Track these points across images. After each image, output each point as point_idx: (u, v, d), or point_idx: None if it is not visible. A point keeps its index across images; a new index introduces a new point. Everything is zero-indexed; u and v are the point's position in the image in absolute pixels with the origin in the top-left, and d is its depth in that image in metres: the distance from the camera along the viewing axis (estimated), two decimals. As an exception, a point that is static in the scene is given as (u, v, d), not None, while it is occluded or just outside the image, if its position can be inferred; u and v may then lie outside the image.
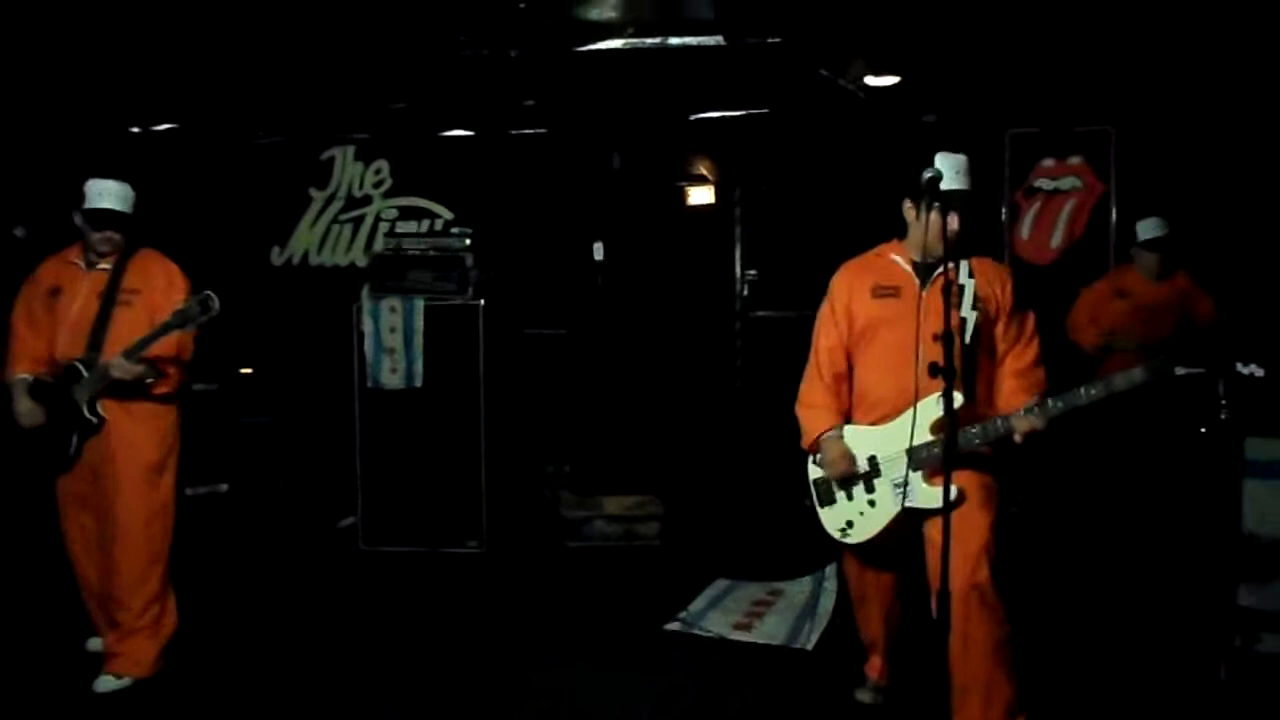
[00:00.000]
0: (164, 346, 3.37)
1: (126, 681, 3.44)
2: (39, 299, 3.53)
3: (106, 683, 3.43)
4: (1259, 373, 2.53)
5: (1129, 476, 4.72)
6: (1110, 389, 2.66)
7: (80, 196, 3.42)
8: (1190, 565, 4.14)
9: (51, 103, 5.69)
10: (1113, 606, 4.17)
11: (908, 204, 2.93)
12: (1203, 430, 4.18)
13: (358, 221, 6.50)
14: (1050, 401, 2.75)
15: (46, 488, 3.59)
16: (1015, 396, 2.85)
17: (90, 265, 3.50)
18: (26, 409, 3.46)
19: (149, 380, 3.40)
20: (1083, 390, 2.70)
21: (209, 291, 3.29)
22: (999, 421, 2.77)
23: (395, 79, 5.89)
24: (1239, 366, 2.55)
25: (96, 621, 3.66)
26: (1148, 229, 4.94)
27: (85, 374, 3.40)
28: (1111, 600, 4.24)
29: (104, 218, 3.41)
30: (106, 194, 3.42)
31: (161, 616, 3.52)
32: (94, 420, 3.41)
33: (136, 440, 3.48)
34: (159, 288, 3.51)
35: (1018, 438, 2.74)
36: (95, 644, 3.69)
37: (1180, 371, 2.58)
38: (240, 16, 4.85)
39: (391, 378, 5.19)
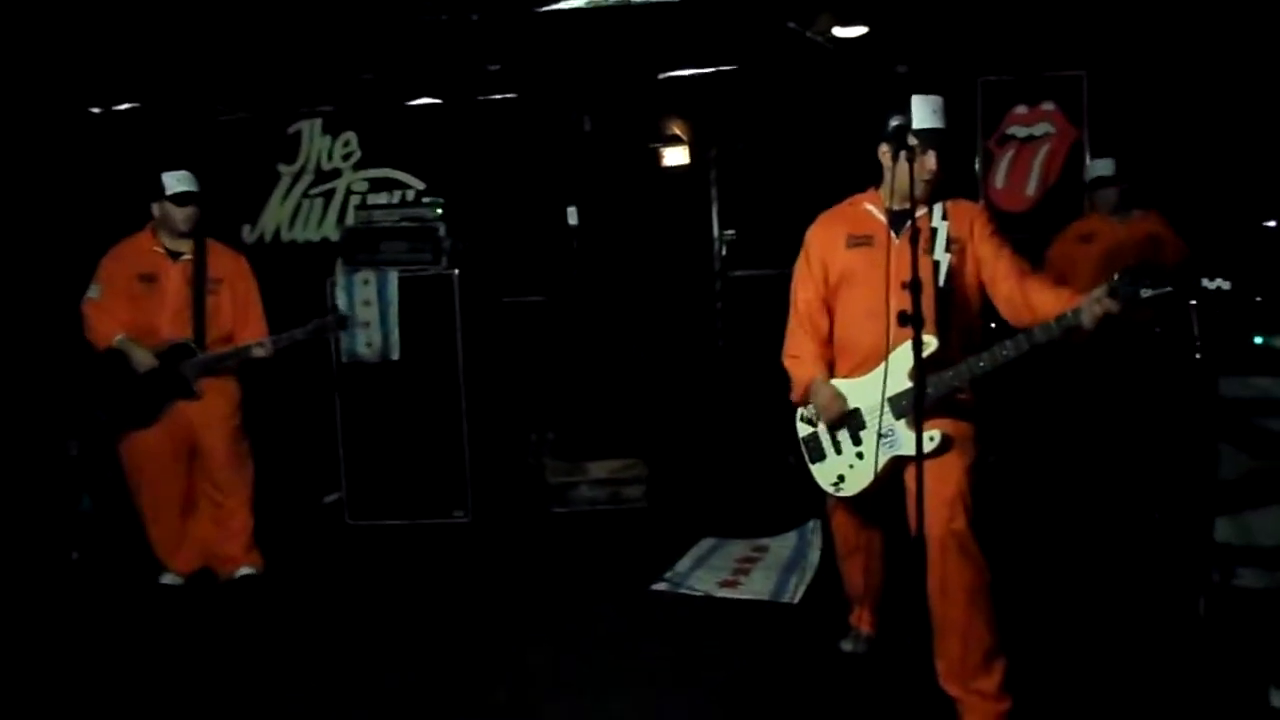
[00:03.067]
0: (254, 332, 4.20)
1: (257, 571, 4.25)
2: (125, 279, 4.09)
3: (246, 569, 4.22)
4: (1225, 286, 2.50)
5: (1106, 419, 4.76)
6: (1077, 318, 2.58)
7: (159, 187, 4.06)
8: (1167, 503, 4.19)
9: (9, 83, 5.58)
10: (1092, 545, 4.21)
11: (883, 148, 2.88)
12: (1178, 370, 4.22)
13: (328, 195, 6.43)
14: (1038, 331, 2.64)
15: (112, 445, 4.14)
16: (1056, 295, 2.68)
17: (174, 256, 4.12)
18: (145, 357, 4.03)
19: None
20: (1054, 323, 2.64)
21: (341, 310, 4.40)
22: (976, 360, 2.71)
23: (359, 48, 5.79)
24: (1204, 281, 2.51)
25: (167, 556, 4.22)
26: (1094, 169, 4.98)
27: (199, 352, 4.07)
28: (1090, 539, 4.29)
29: (188, 198, 4.07)
30: (183, 179, 4.08)
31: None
32: (197, 393, 4.09)
33: (225, 404, 4.20)
34: (235, 276, 4.25)
35: (1089, 324, 2.57)
36: (169, 578, 4.23)
37: (1146, 293, 2.52)
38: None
39: (368, 351, 5.16)
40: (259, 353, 4.10)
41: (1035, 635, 3.25)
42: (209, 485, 4.21)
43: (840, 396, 2.93)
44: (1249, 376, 3.56)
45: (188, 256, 4.14)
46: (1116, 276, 2.55)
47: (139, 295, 4.09)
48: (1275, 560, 3.44)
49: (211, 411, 4.14)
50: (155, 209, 4.11)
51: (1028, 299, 2.74)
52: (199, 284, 4.12)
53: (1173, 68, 5.47)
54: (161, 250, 4.13)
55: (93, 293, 4.11)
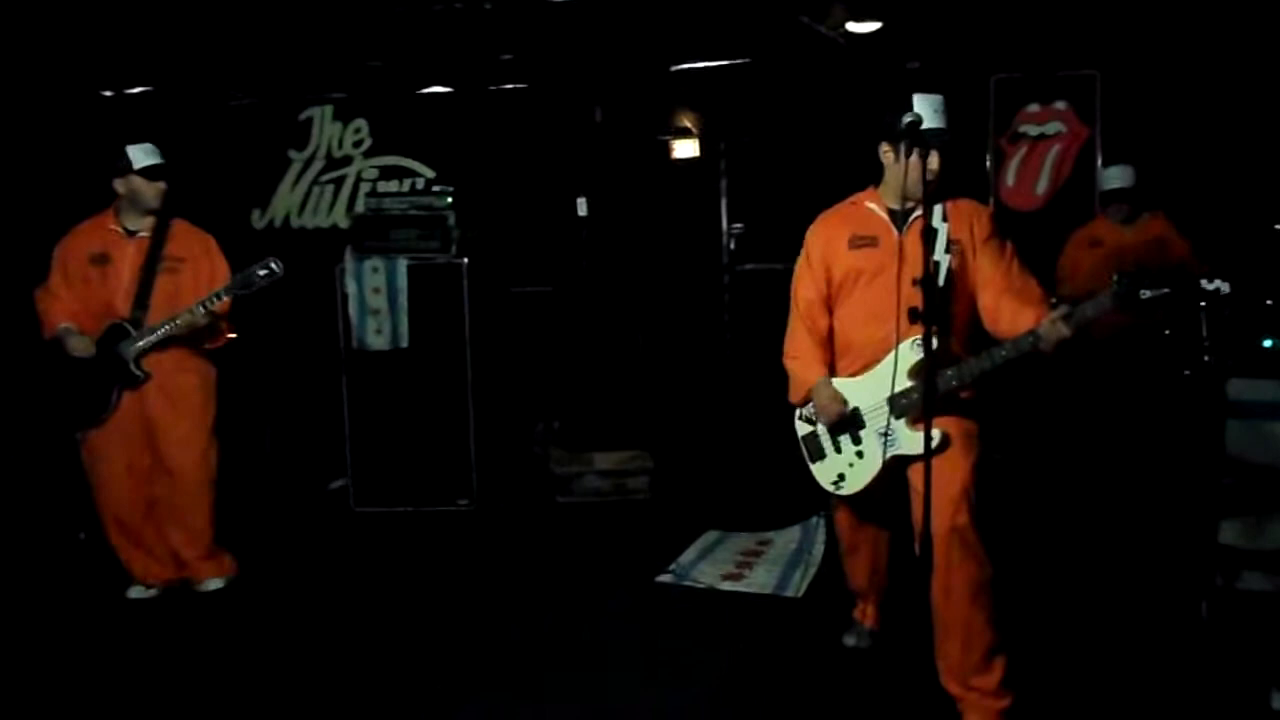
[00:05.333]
0: (217, 306, 3.78)
1: (225, 582, 3.97)
2: (76, 262, 3.84)
3: (212, 583, 3.95)
4: (1225, 288, 2.51)
5: (1113, 421, 4.76)
6: (1083, 316, 2.61)
7: (123, 161, 3.76)
8: (1172, 505, 4.19)
9: (21, 67, 5.59)
10: (1096, 547, 4.22)
11: (885, 147, 2.88)
12: (1186, 373, 4.21)
13: (338, 182, 6.44)
14: (1051, 322, 2.64)
15: (70, 442, 3.90)
16: (1020, 315, 2.73)
17: (131, 234, 3.83)
18: (80, 344, 3.76)
19: (206, 334, 3.83)
20: (1012, 343, 2.67)
21: (274, 257, 3.71)
22: (977, 359, 2.73)
23: (371, 36, 5.79)
24: (1204, 283, 2.52)
25: (132, 565, 3.95)
26: (1110, 178, 4.95)
27: (133, 332, 3.77)
28: (1095, 541, 4.29)
29: (157, 171, 3.79)
30: (150, 152, 3.81)
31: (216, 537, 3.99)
32: (140, 375, 3.79)
33: (188, 389, 3.90)
34: (198, 254, 3.91)
35: (1046, 348, 2.63)
36: (137, 591, 3.96)
37: (1146, 295, 2.53)
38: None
39: (377, 339, 5.17)
40: (187, 319, 3.71)
41: (1037, 634, 3.26)
42: (164, 480, 3.88)
43: (840, 398, 2.94)
44: (1257, 379, 3.56)
45: (145, 235, 3.84)
46: (1115, 279, 2.58)
47: (91, 278, 3.82)
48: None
49: (173, 413, 3.84)
50: (120, 185, 3.79)
51: (1000, 313, 2.79)
52: (150, 262, 3.81)
53: (1185, 69, 5.44)
54: (118, 229, 3.84)
55: (48, 279, 3.88)
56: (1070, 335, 2.61)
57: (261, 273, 3.70)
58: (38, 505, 4.86)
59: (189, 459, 3.87)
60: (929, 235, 2.46)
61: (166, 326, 3.75)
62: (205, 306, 3.72)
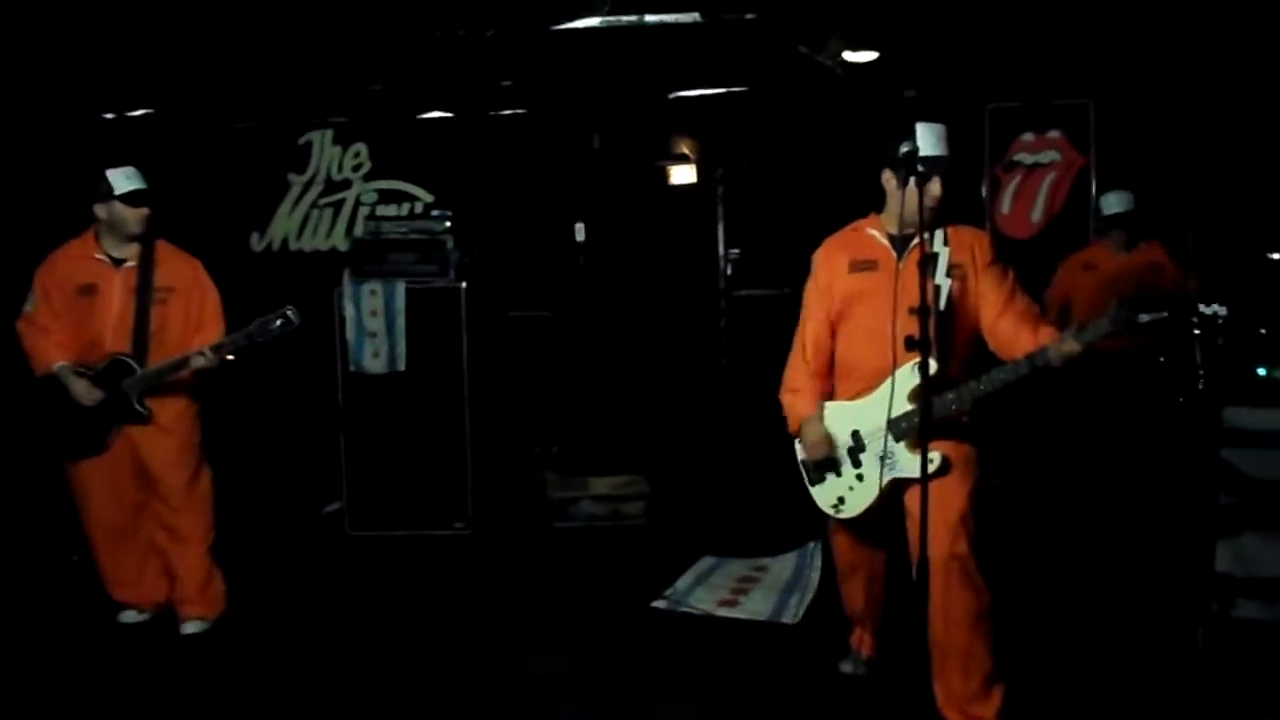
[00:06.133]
0: (207, 340, 3.67)
1: (208, 624, 3.81)
2: (61, 292, 3.70)
3: (192, 626, 3.79)
4: (1222, 312, 2.54)
5: (1109, 448, 4.77)
6: (1045, 358, 2.65)
7: (104, 186, 3.59)
8: (1168, 532, 4.19)
9: (22, 89, 5.62)
10: (1092, 574, 4.21)
11: (887, 174, 2.92)
12: (1180, 400, 4.23)
13: (337, 206, 6.47)
14: (1054, 347, 2.67)
15: (58, 473, 3.82)
16: (1025, 334, 2.77)
17: (117, 263, 3.69)
18: (84, 389, 3.64)
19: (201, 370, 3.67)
20: (1024, 361, 2.69)
21: (291, 307, 3.60)
22: (976, 382, 2.75)
23: (372, 61, 5.84)
24: (1202, 307, 2.55)
25: (121, 594, 3.90)
26: (1110, 204, 4.99)
27: (137, 369, 3.64)
28: (1091, 568, 4.28)
29: (140, 197, 3.62)
30: (132, 176, 3.63)
31: (214, 567, 3.87)
32: (144, 413, 3.68)
33: (174, 411, 3.77)
34: (188, 283, 3.77)
35: (1056, 364, 2.66)
36: (129, 615, 3.92)
37: (1144, 318, 2.57)
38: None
39: (374, 362, 5.17)
40: (200, 363, 3.59)
41: (1034, 662, 3.25)
42: (159, 517, 3.79)
43: (826, 440, 2.96)
44: (1252, 408, 3.58)
45: (132, 264, 3.68)
46: (1115, 304, 2.62)
47: (79, 309, 3.67)
48: (1276, 592, 3.44)
49: (160, 436, 3.72)
50: (101, 210, 3.62)
51: (1007, 334, 2.82)
52: (143, 294, 3.67)
53: (1179, 97, 5.51)
54: (103, 257, 3.67)
55: (28, 306, 3.73)
56: (1081, 351, 2.63)
57: (277, 322, 3.57)
58: (30, 528, 4.84)
59: (180, 479, 3.76)
60: (926, 263, 2.48)
61: (172, 365, 3.63)
62: (216, 353, 3.60)
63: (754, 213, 6.27)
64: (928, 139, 2.72)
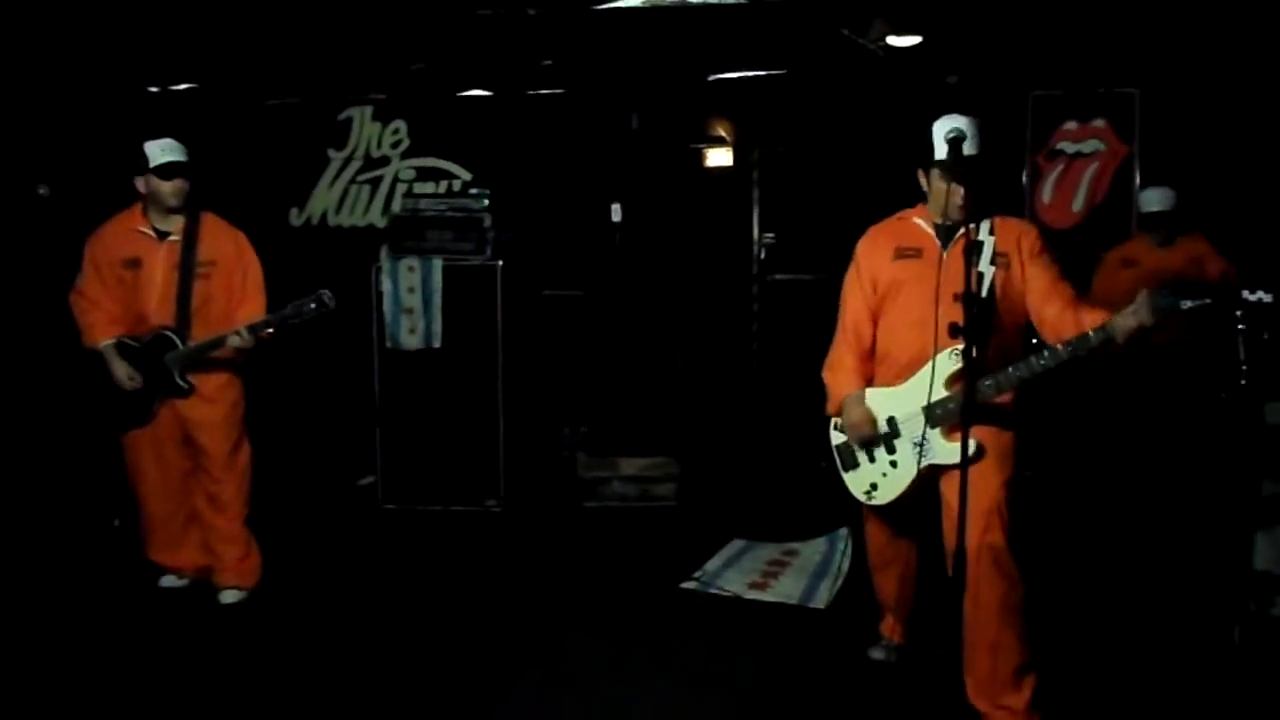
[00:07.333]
0: (249, 314, 3.74)
1: (245, 594, 3.89)
2: (109, 266, 3.75)
3: (230, 595, 3.87)
4: (1267, 298, 2.49)
5: (1147, 442, 4.72)
6: (1111, 330, 2.59)
7: (142, 160, 3.63)
8: (1206, 529, 4.15)
9: (70, 62, 5.69)
10: (1128, 569, 4.18)
11: (920, 173, 2.92)
12: (1222, 395, 4.17)
13: (376, 182, 6.50)
14: (1089, 335, 2.63)
15: (102, 440, 3.92)
16: (1075, 316, 2.71)
17: (161, 236, 3.72)
18: (126, 372, 3.73)
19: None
20: (1090, 334, 2.65)
21: (327, 291, 3.61)
22: (1014, 369, 2.72)
23: (413, 39, 5.85)
24: (1246, 294, 2.50)
25: (162, 557, 4.00)
26: (1149, 202, 4.91)
27: (180, 345, 3.70)
28: (1127, 563, 4.25)
29: (175, 169, 3.64)
30: (169, 149, 3.66)
31: (251, 538, 3.96)
32: (185, 386, 3.75)
33: (219, 390, 3.83)
34: (231, 257, 3.80)
35: (1121, 338, 2.59)
36: (169, 580, 4.02)
37: (1186, 305, 2.52)
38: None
39: (410, 338, 5.22)
40: (236, 342, 3.63)
41: (1067, 655, 3.24)
42: (204, 486, 3.88)
43: (871, 419, 2.95)
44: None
45: (175, 237, 3.72)
46: (1157, 290, 2.57)
47: (125, 282, 3.73)
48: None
49: (204, 405, 3.80)
50: (140, 184, 3.67)
51: (1054, 319, 2.76)
52: (185, 268, 3.70)
53: (1225, 87, 5.40)
54: (148, 230, 3.72)
55: (80, 281, 3.79)
56: (1150, 324, 2.54)
57: (312, 304, 3.60)
58: (75, 492, 4.94)
59: (223, 448, 3.84)
60: (971, 250, 2.47)
61: (212, 343, 3.68)
62: (252, 333, 3.64)
63: (789, 197, 6.24)
64: (954, 139, 2.68)
